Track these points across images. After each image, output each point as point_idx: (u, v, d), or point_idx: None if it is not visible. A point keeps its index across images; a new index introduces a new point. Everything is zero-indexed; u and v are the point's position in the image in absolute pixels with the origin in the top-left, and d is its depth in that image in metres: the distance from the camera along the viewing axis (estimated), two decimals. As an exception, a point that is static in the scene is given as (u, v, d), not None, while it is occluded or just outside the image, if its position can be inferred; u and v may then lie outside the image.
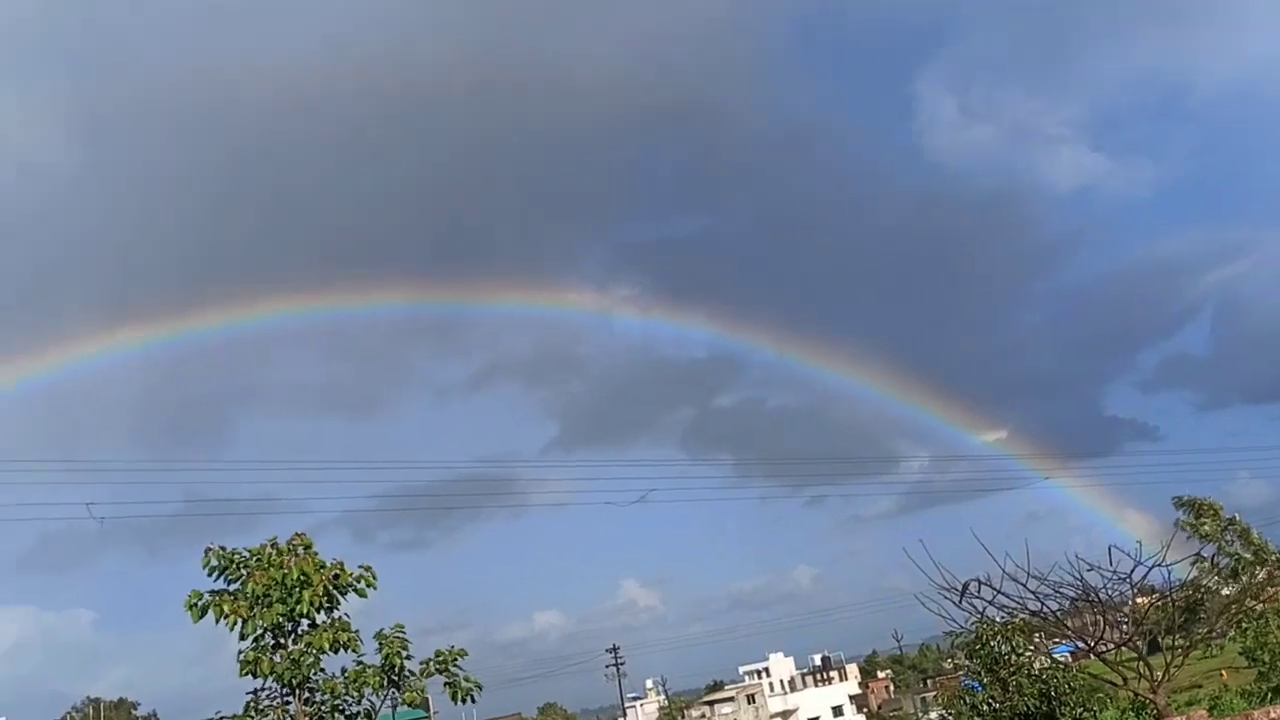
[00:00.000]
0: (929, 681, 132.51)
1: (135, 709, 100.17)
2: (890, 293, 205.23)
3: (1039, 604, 21.67)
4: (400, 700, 15.30)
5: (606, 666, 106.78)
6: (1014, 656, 22.23)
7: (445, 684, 15.40)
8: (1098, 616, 22.09)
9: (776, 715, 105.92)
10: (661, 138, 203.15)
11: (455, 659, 15.44)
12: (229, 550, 15.07)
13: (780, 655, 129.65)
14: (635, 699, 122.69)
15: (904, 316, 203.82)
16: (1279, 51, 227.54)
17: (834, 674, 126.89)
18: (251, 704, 14.81)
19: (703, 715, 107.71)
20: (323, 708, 15.06)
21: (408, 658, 15.15)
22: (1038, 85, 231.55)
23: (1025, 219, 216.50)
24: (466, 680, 15.42)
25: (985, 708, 22.13)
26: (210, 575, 14.89)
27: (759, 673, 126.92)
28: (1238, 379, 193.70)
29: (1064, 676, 21.83)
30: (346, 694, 15.04)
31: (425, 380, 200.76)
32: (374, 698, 15.25)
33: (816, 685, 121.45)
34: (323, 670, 14.97)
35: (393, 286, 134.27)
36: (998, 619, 22.68)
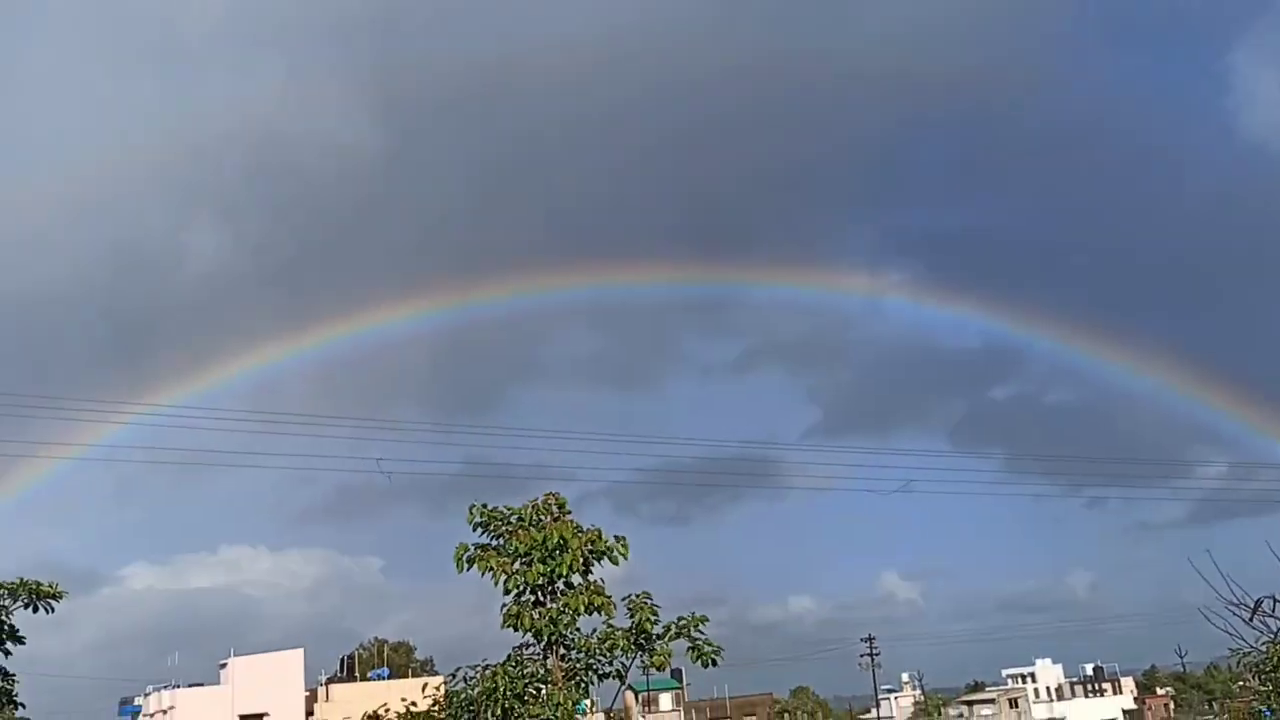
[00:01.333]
0: (1214, 704, 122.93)
1: (414, 652, 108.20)
2: (1193, 285, 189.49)
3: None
4: (648, 663, 16.09)
5: (861, 656, 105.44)
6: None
7: (688, 648, 16.09)
8: None
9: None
10: (941, 121, 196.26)
11: (697, 624, 16.12)
12: (490, 507, 16.33)
13: (1048, 661, 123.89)
14: (889, 691, 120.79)
15: (1208, 311, 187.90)
16: None
17: (1106, 686, 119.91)
18: (514, 655, 16.04)
19: (960, 715, 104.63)
20: (577, 665, 16.10)
21: (655, 623, 15.95)
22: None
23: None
24: (708, 645, 16.06)
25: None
26: (474, 530, 16.20)
27: (1023, 677, 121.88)
28: None
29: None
30: (599, 654, 16.03)
31: (692, 359, 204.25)
32: (624, 659, 16.16)
33: (1086, 696, 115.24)
34: (578, 630, 16.01)
35: (665, 267, 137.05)
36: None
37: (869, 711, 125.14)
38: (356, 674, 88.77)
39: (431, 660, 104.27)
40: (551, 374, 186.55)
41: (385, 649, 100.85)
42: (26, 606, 17.18)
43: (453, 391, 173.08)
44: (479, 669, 17.44)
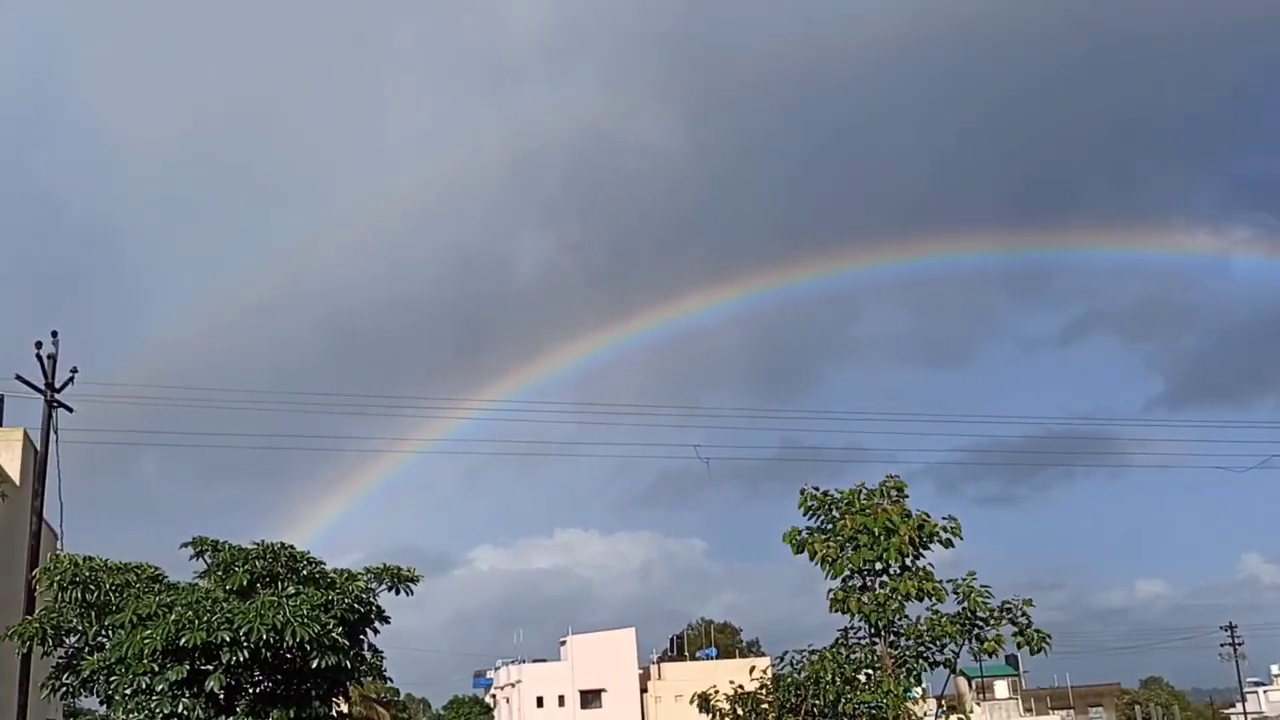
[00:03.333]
0: None
1: (739, 633, 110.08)
2: None
3: None
4: (978, 649, 15.54)
5: (1221, 645, 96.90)
6: None
7: (1015, 633, 15.42)
8: None
9: None
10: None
11: (1023, 608, 15.42)
12: (822, 491, 16.29)
13: None
14: (1257, 684, 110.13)
15: None
16: None
17: None
18: (841, 640, 15.93)
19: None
20: (906, 652, 15.76)
21: (986, 607, 15.39)
22: None
23: None
24: (1036, 631, 15.33)
25: None
26: (805, 515, 16.21)
27: None
28: None
29: None
30: (930, 641, 15.60)
31: (1013, 332, 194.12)
32: (953, 647, 15.66)
33: None
34: (906, 616, 15.66)
35: (976, 236, 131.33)
36: None
37: (1233, 706, 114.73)
38: (686, 653, 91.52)
39: (758, 641, 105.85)
40: (867, 353, 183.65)
41: (712, 629, 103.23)
42: (390, 589, 18.73)
43: (768, 375, 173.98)
44: (805, 653, 17.47)
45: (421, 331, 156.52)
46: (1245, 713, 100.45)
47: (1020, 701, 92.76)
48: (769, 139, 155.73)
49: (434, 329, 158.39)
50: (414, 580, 18.81)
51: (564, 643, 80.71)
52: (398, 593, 18.66)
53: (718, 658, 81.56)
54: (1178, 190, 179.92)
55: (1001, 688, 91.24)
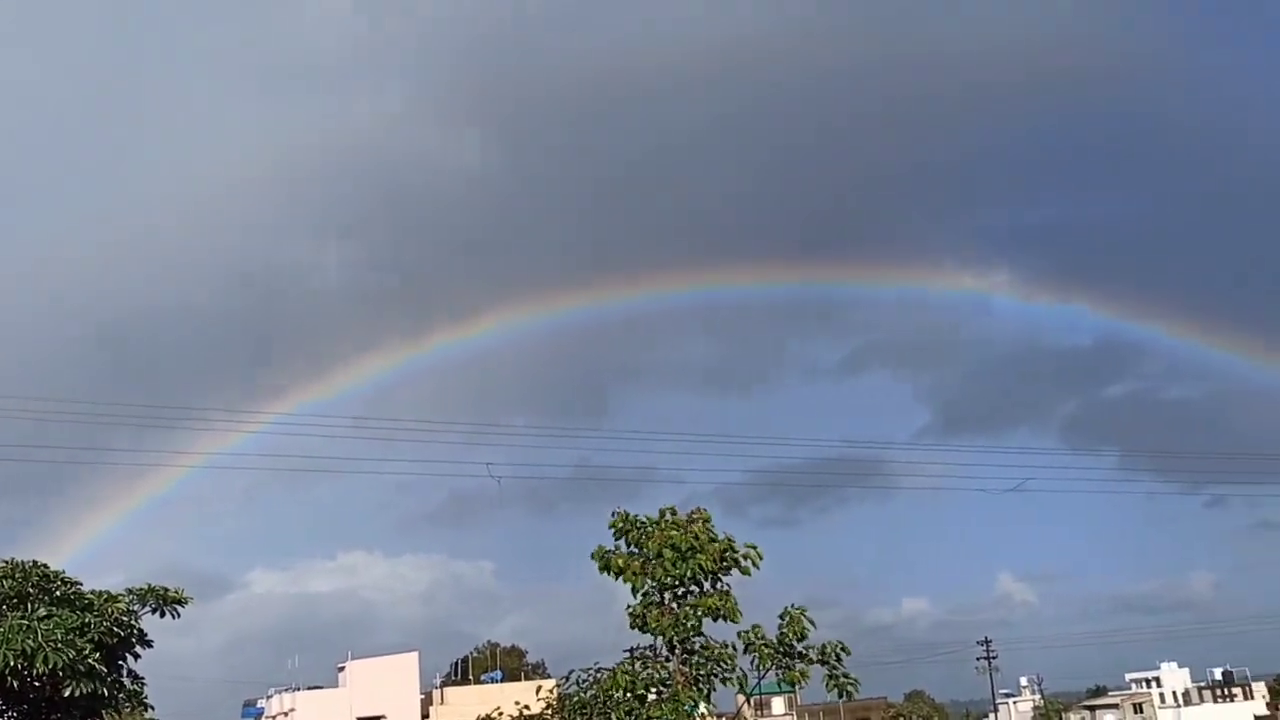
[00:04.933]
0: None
1: (525, 655, 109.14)
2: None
3: None
4: (782, 678, 15.74)
5: (977, 659, 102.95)
6: None
7: (826, 675, 15.70)
8: None
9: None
10: (1050, 118, 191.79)
11: (839, 654, 15.72)
12: (632, 515, 16.17)
13: (1173, 665, 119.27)
14: (1008, 696, 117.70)
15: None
16: None
17: (1237, 691, 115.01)
18: (630, 658, 15.80)
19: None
20: (699, 670, 15.77)
21: (803, 639, 15.63)
22: None
23: None
24: (846, 676, 15.65)
25: None
26: (615, 537, 16.05)
27: (1147, 681, 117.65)
28: None
29: None
30: (723, 660, 15.67)
31: (797, 361, 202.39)
32: (748, 669, 15.81)
33: (1215, 701, 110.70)
34: (702, 634, 15.70)
35: (768, 268, 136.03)
36: None
37: (987, 716, 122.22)
38: (470, 677, 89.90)
39: (544, 663, 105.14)
40: (660, 377, 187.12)
41: (498, 652, 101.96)
42: (154, 611, 17.51)
43: (563, 396, 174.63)
44: (592, 671, 17.28)
45: (200, 342, 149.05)
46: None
47: (796, 717, 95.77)
48: (573, 162, 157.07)
49: (214, 340, 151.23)
50: (181, 602, 17.63)
51: (342, 668, 77.87)
52: (163, 615, 17.45)
53: (503, 680, 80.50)
54: (947, 233, 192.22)
55: (779, 704, 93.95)
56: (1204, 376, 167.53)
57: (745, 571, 16.02)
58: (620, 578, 15.83)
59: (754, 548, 16.08)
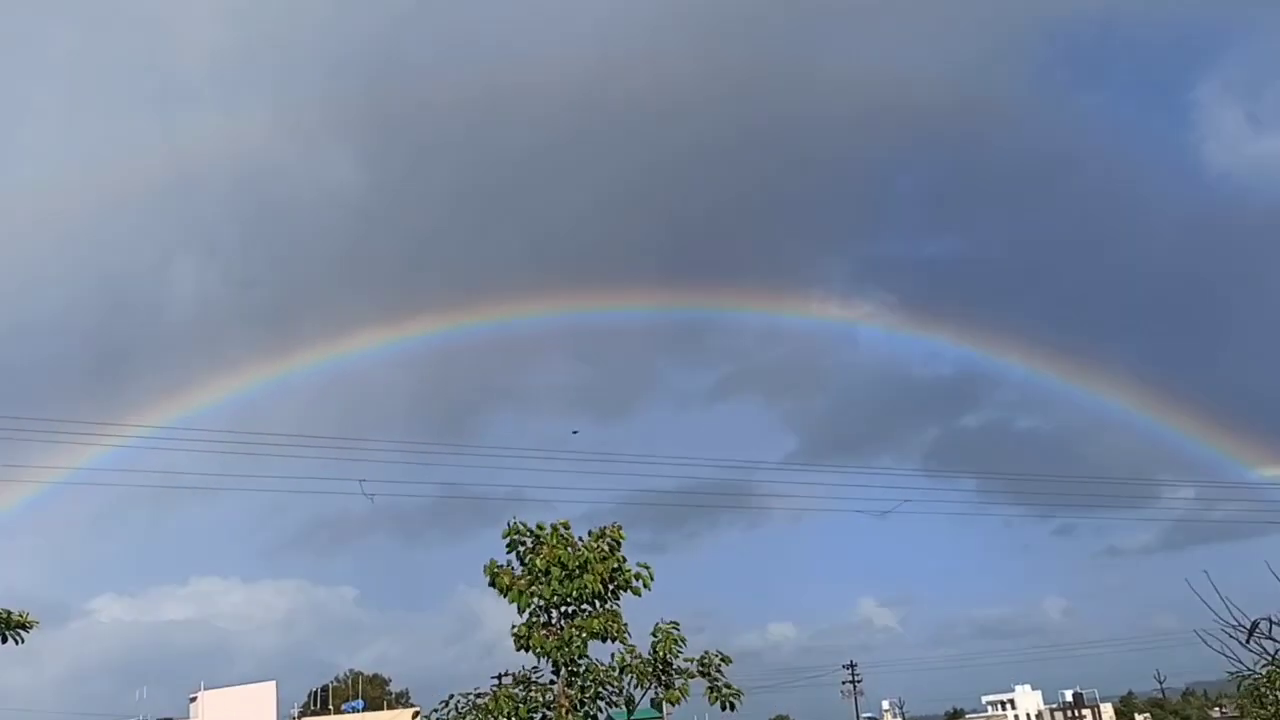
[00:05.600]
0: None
1: (388, 684, 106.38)
2: (1162, 316, 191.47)
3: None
4: (663, 696, 15.26)
5: (843, 683, 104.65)
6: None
7: (707, 688, 15.28)
8: None
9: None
10: (914, 157, 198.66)
11: (720, 664, 15.33)
12: (525, 525, 15.55)
13: (1027, 687, 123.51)
14: (869, 718, 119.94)
15: (1176, 341, 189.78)
16: None
17: (1086, 712, 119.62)
18: (511, 679, 15.19)
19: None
20: (585, 692, 15.25)
21: (679, 655, 15.18)
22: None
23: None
24: (728, 687, 15.26)
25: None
26: (508, 549, 15.41)
27: (1003, 704, 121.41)
28: None
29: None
30: (609, 681, 15.18)
31: (669, 386, 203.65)
32: (635, 689, 15.33)
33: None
34: (588, 656, 15.19)
35: (644, 294, 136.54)
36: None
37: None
38: (331, 706, 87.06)
39: (408, 692, 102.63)
40: (529, 400, 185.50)
41: (360, 680, 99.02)
42: (-6, 638, 16.14)
43: (431, 419, 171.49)
44: (471, 696, 16.55)
45: (51, 357, 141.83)
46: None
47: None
48: (443, 181, 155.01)
49: (66, 355, 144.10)
50: (26, 627, 16.33)
51: (194, 699, 74.53)
52: (5, 641, 16.10)
53: (365, 710, 78.22)
54: (815, 263, 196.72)
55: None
56: (1053, 407, 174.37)
57: (636, 592, 15.57)
58: (506, 595, 15.20)
59: (646, 567, 15.66)
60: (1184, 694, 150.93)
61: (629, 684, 15.21)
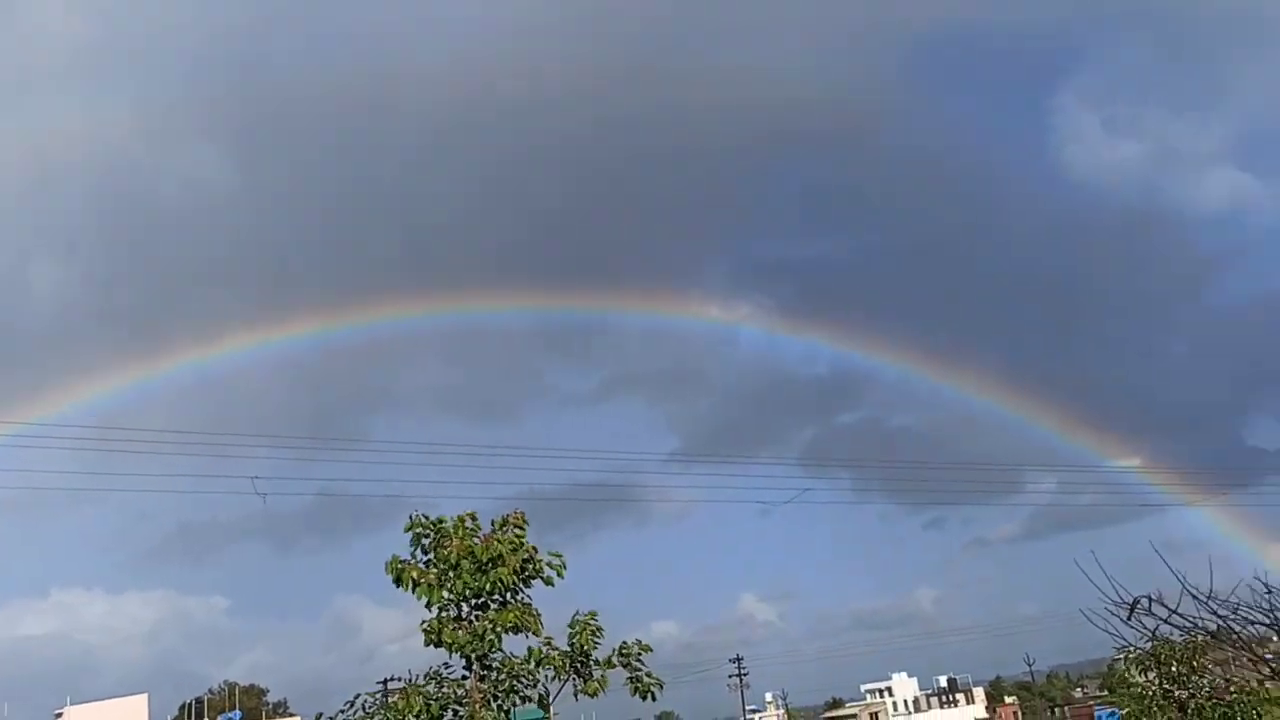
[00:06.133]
0: (1056, 710, 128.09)
1: (266, 694, 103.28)
2: (1025, 314, 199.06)
3: (1220, 625, 20.49)
4: (582, 689, 14.97)
5: (729, 676, 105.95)
6: (1195, 679, 20.89)
7: (628, 678, 15.03)
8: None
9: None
10: (788, 161, 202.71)
11: (640, 654, 15.08)
12: (430, 518, 15.04)
13: (903, 675, 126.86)
14: (754, 712, 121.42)
15: (1038, 339, 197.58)
16: None
17: (960, 696, 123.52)
18: (386, 684, 14.77)
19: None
20: (499, 686, 14.88)
21: (597, 646, 14.88)
22: (1185, 102, 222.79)
23: (1170, 242, 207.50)
24: (649, 677, 15.02)
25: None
26: (412, 543, 14.89)
27: (881, 691, 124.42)
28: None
29: (1257, 707, 20.21)
30: (523, 675, 14.84)
31: (552, 386, 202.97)
32: (549, 683, 15.02)
33: (942, 707, 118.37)
34: (501, 650, 14.82)
35: (519, 294, 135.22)
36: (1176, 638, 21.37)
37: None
38: (205, 718, 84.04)
39: (285, 701, 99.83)
40: (409, 402, 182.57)
41: (236, 691, 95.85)
42: None
43: (305, 421, 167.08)
44: (378, 696, 16.05)
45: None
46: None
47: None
48: (314, 180, 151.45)
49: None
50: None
51: (60, 715, 71.10)
52: None
53: (243, 720, 75.73)
54: (696, 265, 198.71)
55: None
56: (924, 405, 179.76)
57: (549, 582, 15.24)
58: (414, 591, 14.72)
59: (558, 556, 15.35)
60: (1049, 676, 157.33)
61: (546, 677, 14.89)
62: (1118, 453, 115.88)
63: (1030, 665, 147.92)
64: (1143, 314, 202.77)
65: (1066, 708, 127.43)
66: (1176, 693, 20.84)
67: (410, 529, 14.86)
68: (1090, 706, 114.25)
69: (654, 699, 15.00)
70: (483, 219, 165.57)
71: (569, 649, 14.83)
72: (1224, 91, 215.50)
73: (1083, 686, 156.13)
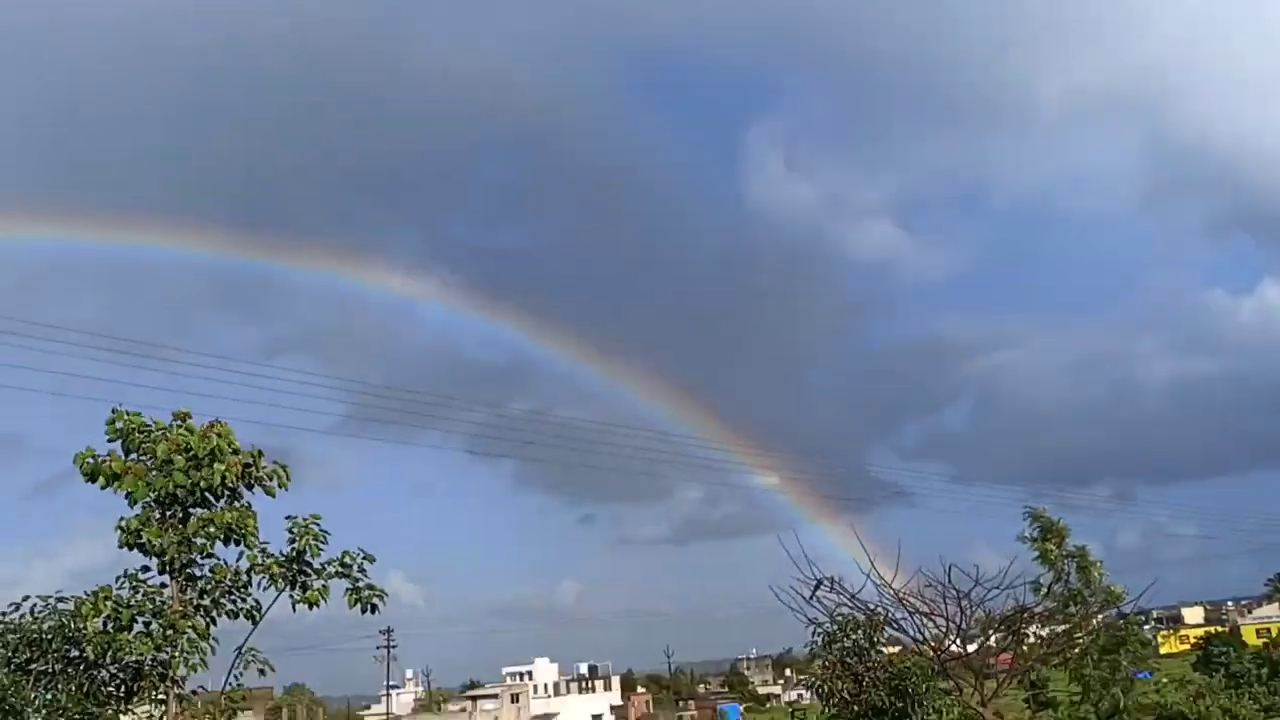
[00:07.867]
0: (682, 702, 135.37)
1: None
2: (693, 329, 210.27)
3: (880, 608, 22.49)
4: (299, 599, 13.74)
5: (378, 648, 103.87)
6: (872, 651, 22.47)
7: (347, 589, 13.92)
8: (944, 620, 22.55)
9: (539, 717, 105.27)
10: (495, 151, 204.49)
11: (363, 563, 13.99)
12: (137, 415, 13.28)
13: (545, 660, 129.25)
14: (393, 688, 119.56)
15: (702, 354, 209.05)
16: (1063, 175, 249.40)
17: (598, 683, 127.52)
18: (129, 579, 13.09)
19: (464, 709, 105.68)
20: (204, 597, 13.46)
21: (320, 553, 13.67)
22: (858, 157, 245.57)
23: (828, 281, 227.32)
24: (371, 589, 13.98)
25: (838, 698, 22.19)
26: (111, 439, 13.10)
27: (522, 675, 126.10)
28: (989, 460, 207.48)
29: (919, 673, 22.02)
30: (234, 586, 13.50)
31: (215, 336, 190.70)
32: (261, 595, 13.74)
33: (580, 692, 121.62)
34: (213, 555, 13.43)
35: (193, 234, 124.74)
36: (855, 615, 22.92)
37: (369, 708, 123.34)
38: None
39: None
40: (42, 335, 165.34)
41: None
42: None
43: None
44: (53, 600, 14.09)
45: None
46: (388, 712, 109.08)
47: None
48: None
49: None
50: None
51: None
52: None
53: None
54: (384, 234, 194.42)
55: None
56: (591, 401, 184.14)
57: (270, 492, 13.94)
58: (115, 486, 13.02)
59: (283, 466, 14.07)
60: (674, 672, 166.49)
61: (258, 585, 13.60)
62: (763, 470, 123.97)
63: (670, 657, 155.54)
64: (796, 345, 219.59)
65: (691, 701, 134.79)
66: (855, 665, 22.27)
67: (114, 421, 13.12)
68: (714, 703, 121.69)
69: (375, 612, 13.98)
70: (162, 150, 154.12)
71: (289, 554, 13.59)
72: (894, 154, 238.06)
73: (706, 683, 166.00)
